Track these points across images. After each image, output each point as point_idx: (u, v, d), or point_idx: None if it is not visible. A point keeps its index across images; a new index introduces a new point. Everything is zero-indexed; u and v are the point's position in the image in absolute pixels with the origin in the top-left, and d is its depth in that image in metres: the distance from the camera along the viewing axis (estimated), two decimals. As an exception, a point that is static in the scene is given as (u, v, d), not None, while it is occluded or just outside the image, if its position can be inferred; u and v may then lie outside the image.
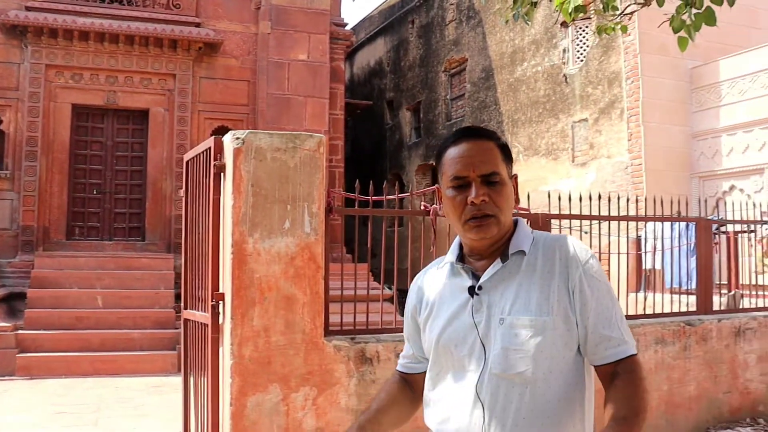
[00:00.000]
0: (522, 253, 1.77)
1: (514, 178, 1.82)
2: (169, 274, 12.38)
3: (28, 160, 13.07)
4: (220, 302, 4.52)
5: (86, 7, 13.52)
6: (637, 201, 7.16)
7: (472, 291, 1.77)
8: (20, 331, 10.73)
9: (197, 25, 14.05)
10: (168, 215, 13.79)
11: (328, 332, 4.76)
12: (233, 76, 14.41)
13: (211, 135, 13.55)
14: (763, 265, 8.77)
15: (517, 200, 1.83)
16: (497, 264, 1.76)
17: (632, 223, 7.35)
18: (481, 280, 1.76)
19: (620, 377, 1.70)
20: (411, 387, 2.03)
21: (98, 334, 10.90)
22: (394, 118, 20.94)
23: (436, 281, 1.90)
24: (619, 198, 7.02)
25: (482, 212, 1.73)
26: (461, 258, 1.85)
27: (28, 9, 13.16)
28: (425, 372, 1.94)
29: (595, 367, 1.76)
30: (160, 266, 12.67)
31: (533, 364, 1.67)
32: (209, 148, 4.62)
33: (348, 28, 16.58)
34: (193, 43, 13.83)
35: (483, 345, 1.72)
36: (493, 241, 1.78)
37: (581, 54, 14.04)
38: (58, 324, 11.03)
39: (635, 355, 1.75)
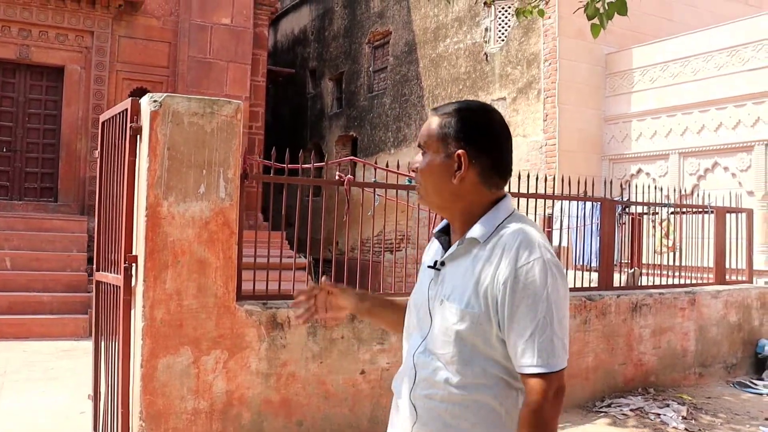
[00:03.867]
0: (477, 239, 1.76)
1: (457, 155, 1.77)
2: (82, 237, 12.15)
3: (-68, 113, 12.56)
4: (133, 265, 4.53)
5: (-1, -45, 13.00)
6: (546, 180, 7.43)
7: (436, 264, 1.83)
8: None
9: (118, -18, 13.69)
10: (82, 176, 13.50)
11: (240, 297, 4.84)
12: (154, 36, 14.12)
13: (130, 96, 13.27)
14: (662, 245, 9.21)
15: (460, 179, 1.77)
16: (457, 244, 1.79)
17: (544, 201, 7.62)
18: (444, 256, 1.82)
19: (524, 407, 1.66)
20: None
21: (5, 297, 10.61)
22: (317, 88, 20.88)
23: (431, 245, 1.97)
24: (528, 176, 7.26)
25: (417, 180, 1.85)
26: (447, 229, 1.89)
27: (-65, -46, 12.59)
28: None
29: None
30: (73, 228, 12.42)
31: (452, 350, 1.72)
32: (126, 109, 4.60)
33: (273, -6, 16.43)
34: (112, 0, 13.46)
35: (431, 319, 1.79)
36: (450, 215, 1.84)
37: (503, 34, 14.30)
38: (-39, 285, 10.71)
39: (546, 374, 1.63)
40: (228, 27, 14.34)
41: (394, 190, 5.87)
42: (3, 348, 9.32)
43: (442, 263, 1.81)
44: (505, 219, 1.76)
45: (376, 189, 5.81)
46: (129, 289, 4.56)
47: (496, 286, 1.67)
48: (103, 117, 5.17)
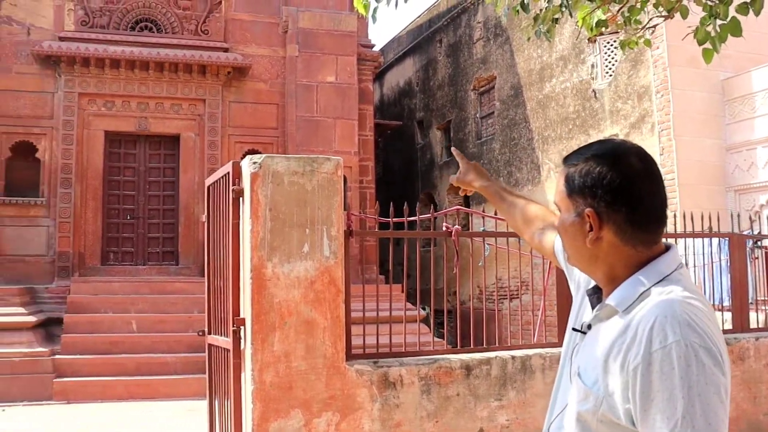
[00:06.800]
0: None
1: (586, 215, 1.49)
2: (203, 298, 12.39)
3: (63, 187, 13.28)
4: (241, 327, 4.51)
5: (117, 35, 13.76)
6: (674, 216, 7.03)
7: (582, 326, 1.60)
8: (57, 356, 10.87)
9: (225, 50, 14.20)
10: (200, 239, 13.84)
11: (350, 356, 4.73)
12: (262, 99, 14.52)
13: (242, 159, 13.70)
14: (802, 279, 8.54)
15: (593, 241, 1.50)
16: (597, 309, 1.53)
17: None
18: (590, 319, 1.55)
19: None
20: (531, 223, 2.15)
21: (133, 359, 10.98)
22: (425, 138, 20.92)
23: (582, 303, 1.68)
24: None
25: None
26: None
27: (61, 39, 13.44)
28: (550, 246, 2.01)
29: None
30: (194, 290, 12.73)
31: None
32: (228, 173, 4.64)
33: (376, 49, 16.66)
34: (221, 68, 13.98)
35: (570, 382, 1.57)
36: (595, 278, 1.58)
37: (610, 69, 13.92)
38: (93, 349, 11.13)
39: None
40: (333, 85, 14.58)
41: (507, 238, 5.68)
42: (131, 408, 9.61)
43: (589, 326, 1.54)
44: (656, 283, 1.44)
45: (485, 238, 5.63)
46: (238, 352, 4.54)
47: (626, 371, 1.36)
48: (208, 181, 5.26)
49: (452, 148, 2.63)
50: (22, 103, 13.41)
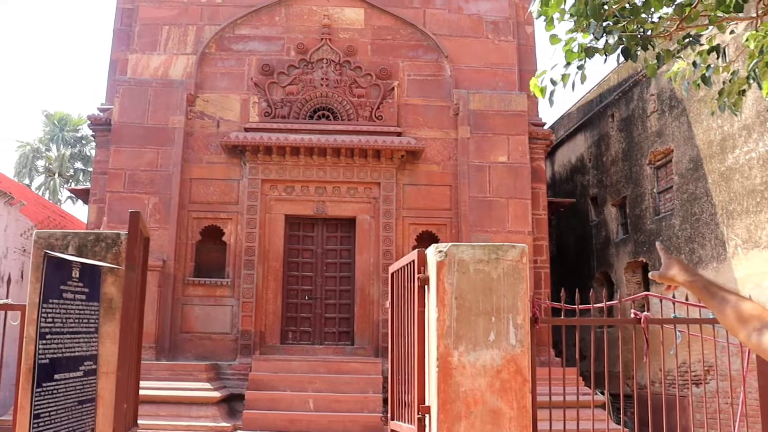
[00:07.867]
0: None
1: None
2: (377, 379, 12.56)
3: (246, 268, 14.00)
4: (426, 415, 4.50)
5: (296, 124, 14.55)
6: None
7: None
8: (239, 432, 11.30)
9: (399, 134, 14.63)
10: (375, 320, 14.10)
11: (537, 449, 4.59)
12: (435, 181, 14.75)
13: (416, 240, 13.94)
14: None
15: None
16: None
17: None
18: None
19: None
20: (747, 322, 2.04)
21: (310, 438, 11.21)
22: (599, 215, 20.38)
23: None
24: None
25: None
26: None
27: (246, 130, 14.39)
28: None
29: None
30: (368, 370, 12.90)
31: None
32: (413, 261, 4.71)
33: (547, 126, 16.58)
34: (395, 152, 14.38)
35: None
36: None
37: (802, 138, 13.08)
38: (272, 426, 11.46)
39: None
40: (505, 165, 14.62)
41: (699, 325, 5.36)
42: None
43: None
44: None
45: (677, 325, 5.35)
46: (424, 441, 4.51)
47: None
48: (392, 268, 5.36)
49: (657, 243, 2.67)
50: (212, 190, 14.40)
